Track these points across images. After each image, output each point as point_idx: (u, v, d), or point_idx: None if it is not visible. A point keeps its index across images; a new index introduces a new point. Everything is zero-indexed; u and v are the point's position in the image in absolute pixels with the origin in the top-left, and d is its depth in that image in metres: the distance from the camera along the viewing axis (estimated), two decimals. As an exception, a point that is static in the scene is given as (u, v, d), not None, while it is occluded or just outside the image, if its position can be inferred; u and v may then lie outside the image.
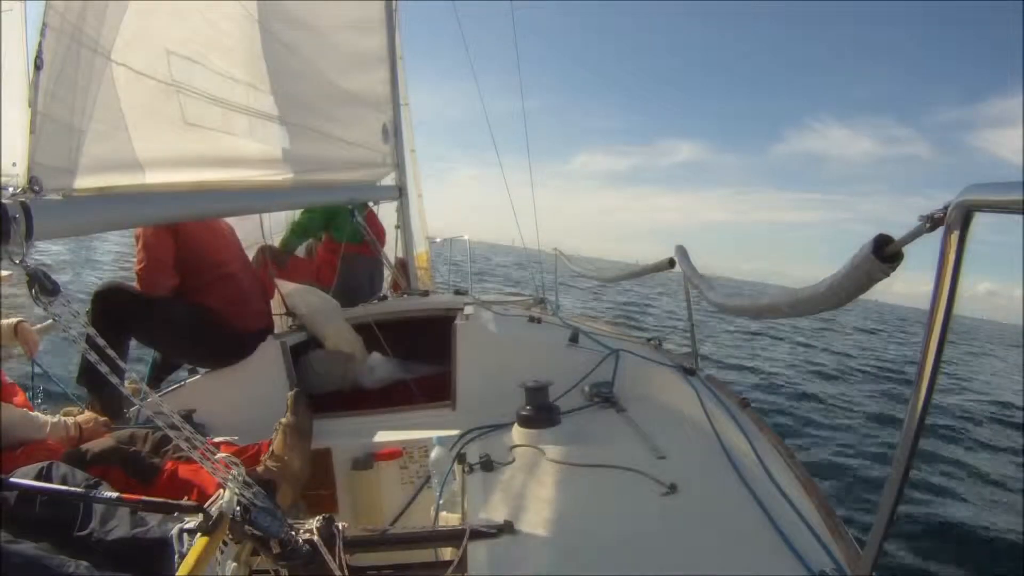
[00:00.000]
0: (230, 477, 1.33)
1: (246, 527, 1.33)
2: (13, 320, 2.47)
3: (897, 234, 0.99)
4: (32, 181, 1.25)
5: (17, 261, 1.09)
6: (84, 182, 1.46)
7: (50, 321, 2.91)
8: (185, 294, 2.70)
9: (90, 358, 1.20)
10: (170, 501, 1.34)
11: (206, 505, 1.42)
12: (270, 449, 2.00)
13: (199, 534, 1.27)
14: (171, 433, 1.33)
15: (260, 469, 1.94)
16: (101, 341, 1.21)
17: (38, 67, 1.28)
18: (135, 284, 2.66)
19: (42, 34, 1.29)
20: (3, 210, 1.07)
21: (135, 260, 2.65)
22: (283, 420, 2.07)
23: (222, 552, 1.36)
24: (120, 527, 1.52)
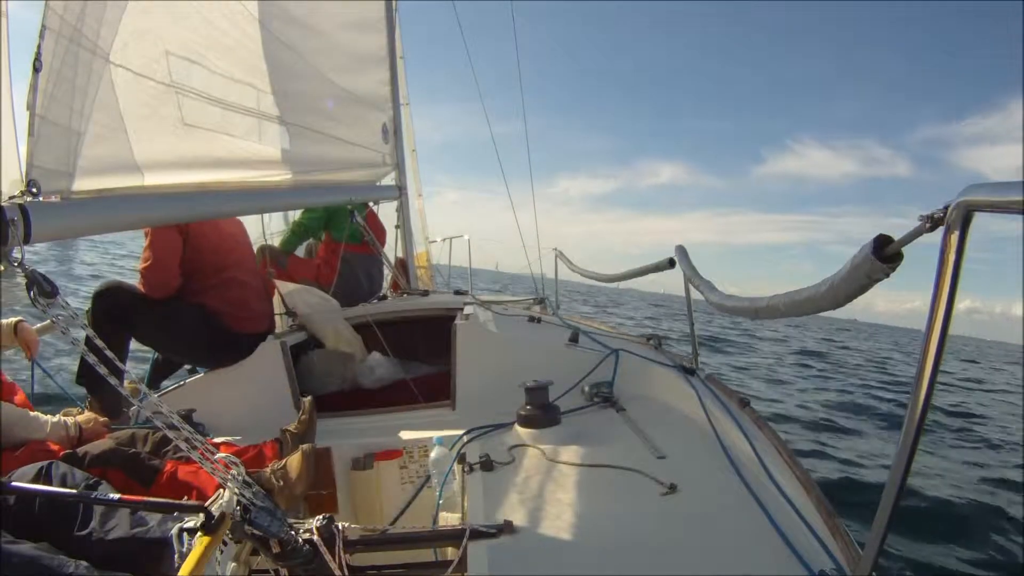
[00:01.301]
0: (229, 477, 1.33)
1: (246, 527, 1.33)
2: (12, 320, 2.47)
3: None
4: (30, 183, 1.25)
5: (15, 264, 1.09)
6: (83, 184, 1.46)
7: (50, 321, 2.92)
8: (188, 294, 2.70)
9: (89, 359, 1.20)
10: (171, 501, 1.34)
11: (206, 505, 1.42)
12: (283, 462, 1.98)
13: (200, 534, 1.27)
14: (170, 433, 1.32)
15: (266, 474, 1.92)
16: (100, 342, 1.21)
17: (36, 69, 1.28)
18: (138, 283, 2.66)
19: (41, 36, 1.29)
20: (1, 213, 1.07)
21: (141, 259, 2.65)
22: (304, 448, 2.03)
23: (221, 552, 1.36)
24: (120, 527, 1.52)
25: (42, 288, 1.09)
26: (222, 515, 1.29)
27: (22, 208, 1.13)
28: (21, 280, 1.09)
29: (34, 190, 1.25)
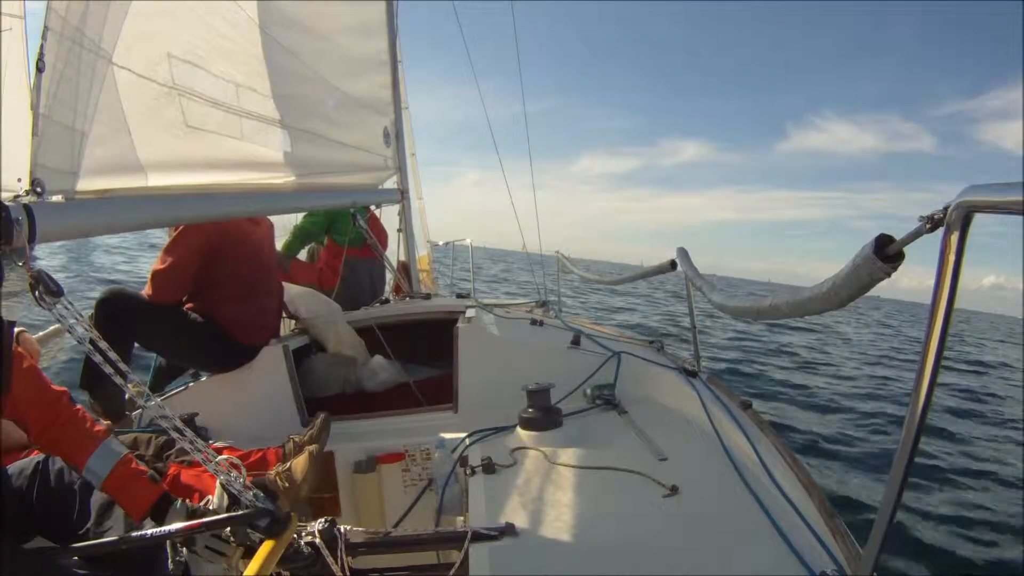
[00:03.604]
0: (231, 478, 1.33)
1: (247, 529, 1.33)
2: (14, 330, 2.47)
3: (900, 234, 1.00)
4: (34, 183, 1.25)
5: (20, 263, 1.09)
6: (86, 184, 1.46)
7: (53, 327, 2.93)
8: (200, 302, 2.71)
9: (94, 359, 1.21)
10: (234, 514, 1.33)
11: (198, 506, 1.42)
12: (287, 464, 1.98)
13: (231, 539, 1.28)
14: (173, 435, 1.33)
15: (271, 476, 1.93)
16: (103, 344, 1.22)
17: (40, 70, 1.29)
18: (146, 289, 2.66)
19: (43, 37, 1.29)
20: (6, 212, 1.08)
21: (158, 259, 2.66)
22: (311, 448, 2.04)
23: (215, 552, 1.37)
24: (115, 528, 1.53)
25: (48, 288, 1.10)
26: (288, 517, 1.30)
27: (27, 208, 1.13)
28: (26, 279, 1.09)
29: (39, 190, 1.26)
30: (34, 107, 1.27)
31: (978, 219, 0.84)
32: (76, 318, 1.16)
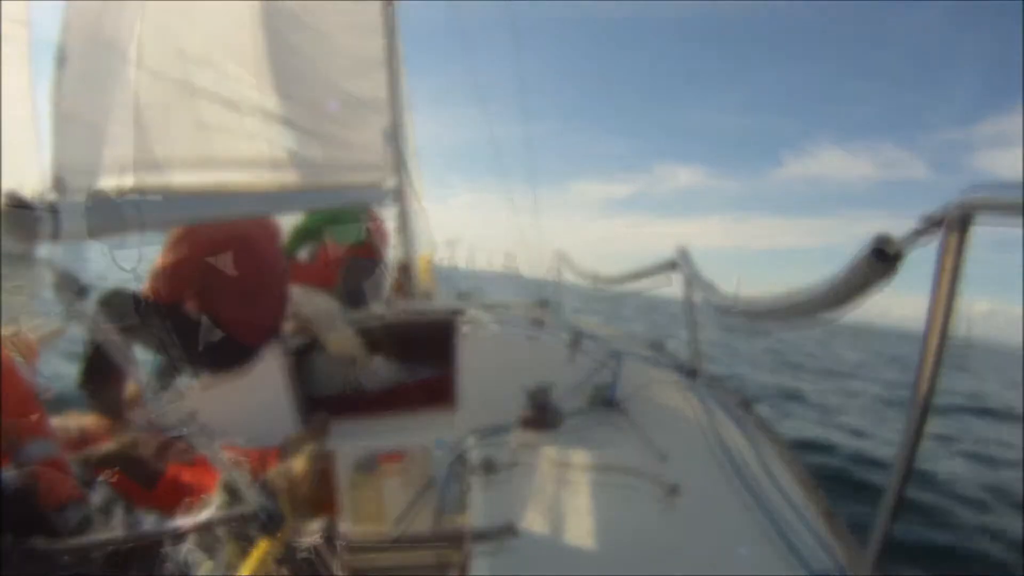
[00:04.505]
0: (234, 475, 1.34)
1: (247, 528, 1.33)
2: (12, 329, 2.47)
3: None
4: (57, 181, 1.24)
5: (45, 262, 1.09)
6: (105, 182, 1.46)
7: (53, 327, 2.92)
8: (199, 300, 2.70)
9: (94, 362, 1.21)
10: (227, 513, 1.34)
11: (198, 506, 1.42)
12: (287, 464, 1.98)
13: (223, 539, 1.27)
14: (181, 432, 1.33)
15: (270, 476, 1.92)
16: (108, 345, 1.21)
17: (59, 66, 1.28)
18: (146, 286, 2.66)
19: (62, 33, 1.29)
20: (31, 211, 1.07)
21: (160, 254, 2.65)
22: (310, 448, 2.03)
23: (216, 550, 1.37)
24: (115, 528, 1.52)
25: (73, 288, 1.09)
26: (282, 516, 1.30)
27: (51, 206, 1.12)
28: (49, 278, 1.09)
29: (61, 188, 1.25)
30: (54, 104, 1.27)
31: (973, 224, 0.84)
32: (95, 318, 1.15)
